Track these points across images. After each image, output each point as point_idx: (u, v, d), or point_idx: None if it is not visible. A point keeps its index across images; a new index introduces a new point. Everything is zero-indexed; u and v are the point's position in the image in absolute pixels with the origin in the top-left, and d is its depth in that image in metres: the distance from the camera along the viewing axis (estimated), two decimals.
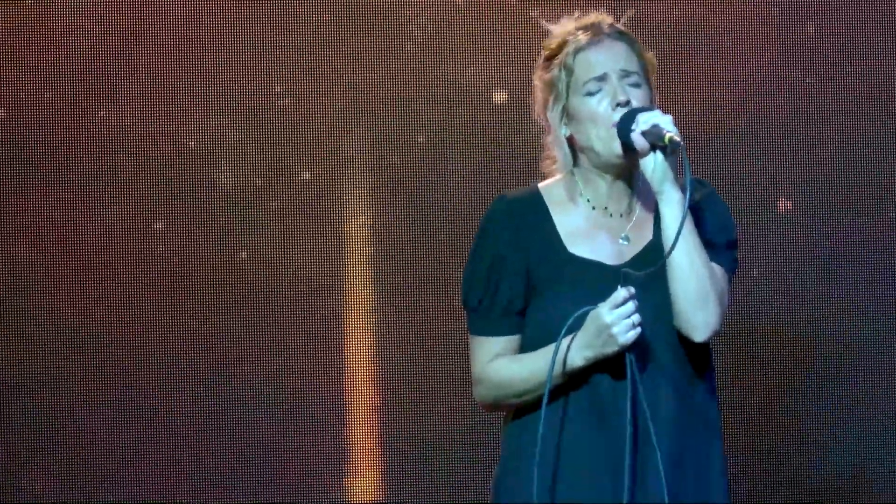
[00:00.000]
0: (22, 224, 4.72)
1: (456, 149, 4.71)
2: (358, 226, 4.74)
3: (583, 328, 2.71)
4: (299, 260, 4.74)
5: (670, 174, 2.71)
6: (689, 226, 2.70)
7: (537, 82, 2.87)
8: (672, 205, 2.71)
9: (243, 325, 4.75)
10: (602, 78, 2.76)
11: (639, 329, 2.67)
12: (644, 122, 2.70)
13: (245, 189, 4.76)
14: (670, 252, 2.67)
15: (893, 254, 4.66)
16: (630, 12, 2.89)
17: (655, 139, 2.69)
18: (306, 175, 4.74)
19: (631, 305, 2.66)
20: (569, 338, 2.71)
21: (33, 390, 4.72)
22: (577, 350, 2.71)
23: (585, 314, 2.70)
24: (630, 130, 2.72)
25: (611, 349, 2.68)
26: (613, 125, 2.74)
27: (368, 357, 4.72)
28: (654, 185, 2.72)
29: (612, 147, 2.75)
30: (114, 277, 4.73)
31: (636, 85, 2.78)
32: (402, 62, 4.69)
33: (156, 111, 4.72)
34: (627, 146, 2.73)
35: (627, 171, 2.81)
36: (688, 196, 2.65)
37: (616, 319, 2.66)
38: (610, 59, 2.78)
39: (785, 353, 4.69)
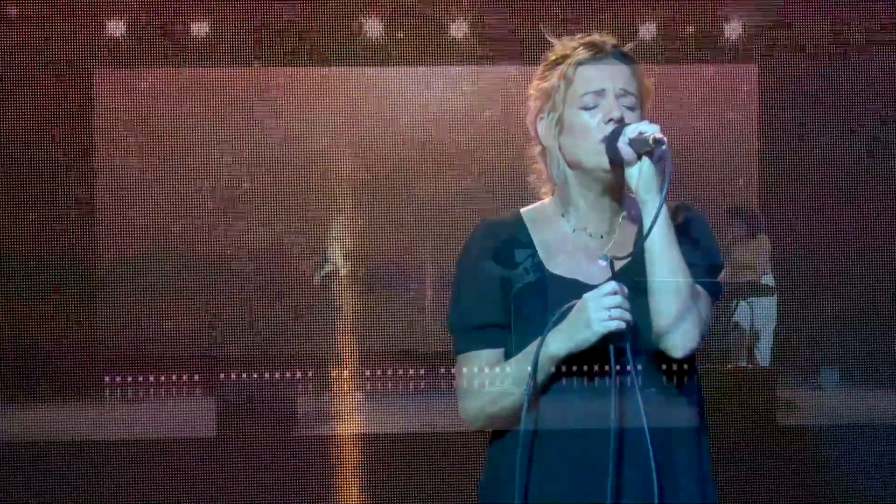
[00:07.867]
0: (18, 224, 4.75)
1: (444, 164, 4.72)
2: (343, 231, 4.75)
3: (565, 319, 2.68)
4: (285, 264, 4.75)
5: (655, 183, 2.66)
6: (672, 245, 2.68)
7: (532, 91, 2.84)
8: (654, 214, 2.65)
9: (224, 329, 4.75)
10: (599, 93, 2.75)
11: (619, 323, 2.62)
12: (631, 132, 2.67)
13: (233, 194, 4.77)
14: (646, 237, 2.63)
15: (862, 255, 4.69)
16: (631, 44, 2.86)
17: (641, 146, 2.65)
18: (293, 181, 4.75)
19: (616, 298, 2.62)
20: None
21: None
22: (553, 337, 2.67)
23: (572, 307, 2.66)
24: (617, 144, 2.68)
25: (585, 336, 2.63)
26: (602, 139, 2.71)
27: (353, 366, 4.73)
28: (640, 193, 2.68)
29: (599, 161, 2.72)
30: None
31: (631, 108, 2.75)
32: (391, 80, 4.72)
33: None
34: (615, 161, 2.69)
35: (614, 189, 2.79)
36: (665, 187, 2.61)
37: (595, 304, 2.62)
38: (610, 76, 2.75)
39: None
